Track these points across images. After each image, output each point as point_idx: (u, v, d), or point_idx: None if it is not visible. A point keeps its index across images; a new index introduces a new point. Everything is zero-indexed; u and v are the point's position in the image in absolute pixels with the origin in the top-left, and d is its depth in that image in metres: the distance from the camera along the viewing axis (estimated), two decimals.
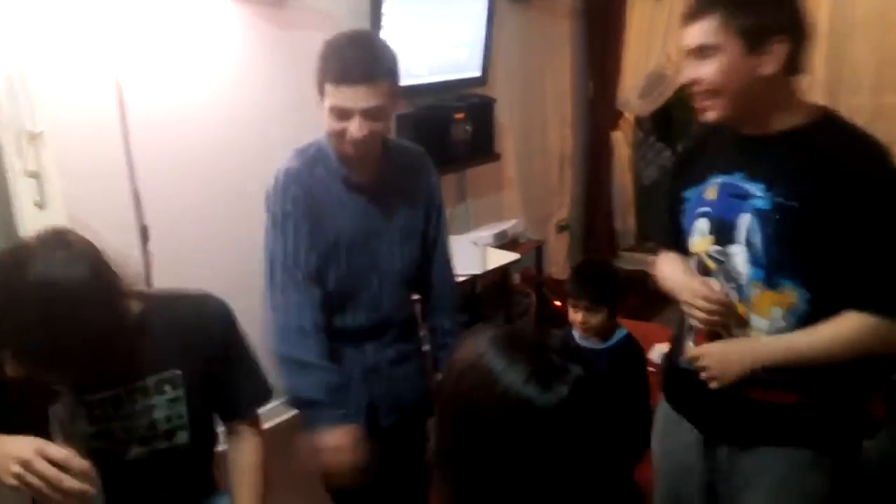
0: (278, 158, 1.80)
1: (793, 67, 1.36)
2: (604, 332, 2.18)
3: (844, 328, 1.36)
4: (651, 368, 2.36)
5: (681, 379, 1.58)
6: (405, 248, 1.82)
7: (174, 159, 2.78)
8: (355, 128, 1.59)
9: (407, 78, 3.42)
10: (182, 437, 1.46)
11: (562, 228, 4.70)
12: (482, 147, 3.80)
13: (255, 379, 1.58)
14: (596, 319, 2.16)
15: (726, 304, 1.44)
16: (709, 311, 1.43)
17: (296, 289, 1.69)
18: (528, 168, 4.37)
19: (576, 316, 2.19)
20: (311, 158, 1.75)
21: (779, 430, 1.46)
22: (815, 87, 3.50)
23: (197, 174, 2.87)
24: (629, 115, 4.62)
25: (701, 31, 1.36)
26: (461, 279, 2.98)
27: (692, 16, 1.38)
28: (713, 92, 1.38)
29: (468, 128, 3.66)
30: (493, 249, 3.48)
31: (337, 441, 1.63)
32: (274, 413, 2.66)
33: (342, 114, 1.60)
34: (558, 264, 4.58)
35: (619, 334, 2.19)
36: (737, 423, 1.50)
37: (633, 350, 2.18)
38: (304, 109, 3.15)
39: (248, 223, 2.37)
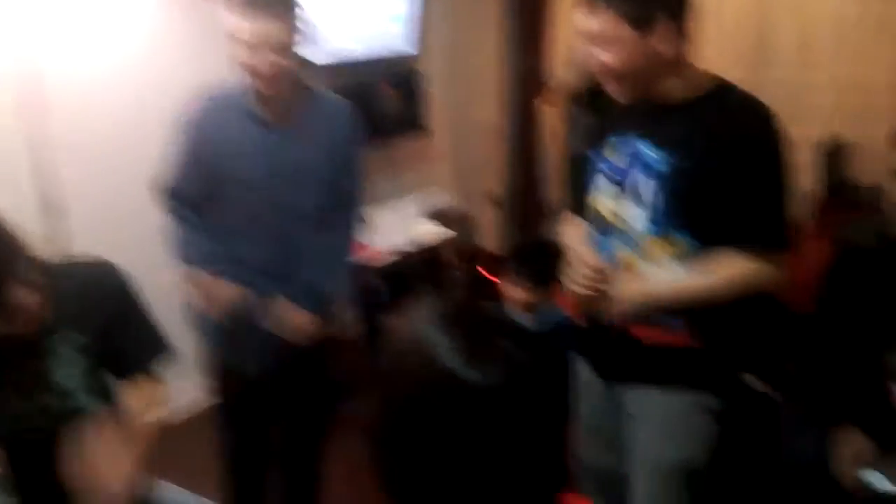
0: None
1: (683, 41, 1.49)
2: (536, 309, 2.20)
3: (726, 266, 1.50)
4: None
5: (582, 328, 1.74)
6: (309, 191, 1.85)
7: (85, 132, 2.67)
8: (261, 61, 1.65)
9: (337, 53, 3.39)
10: (81, 399, 1.44)
11: (493, 201, 4.70)
12: (411, 121, 3.76)
13: (151, 336, 1.59)
14: (535, 298, 2.17)
15: (604, 274, 1.55)
16: (585, 277, 1.55)
17: (182, 216, 1.92)
18: (458, 141, 4.35)
19: (514, 293, 2.20)
20: (221, 96, 1.88)
21: (667, 373, 1.59)
22: (739, 61, 3.56)
23: (109, 147, 2.76)
24: (559, 87, 4.62)
25: (595, 22, 1.46)
26: (392, 253, 2.96)
27: (583, 7, 1.47)
28: (619, 76, 1.49)
29: (397, 101, 3.62)
30: (423, 223, 3.45)
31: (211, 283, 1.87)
32: None
33: (245, 46, 1.68)
34: (490, 237, 4.58)
35: (556, 314, 2.21)
36: (627, 365, 1.64)
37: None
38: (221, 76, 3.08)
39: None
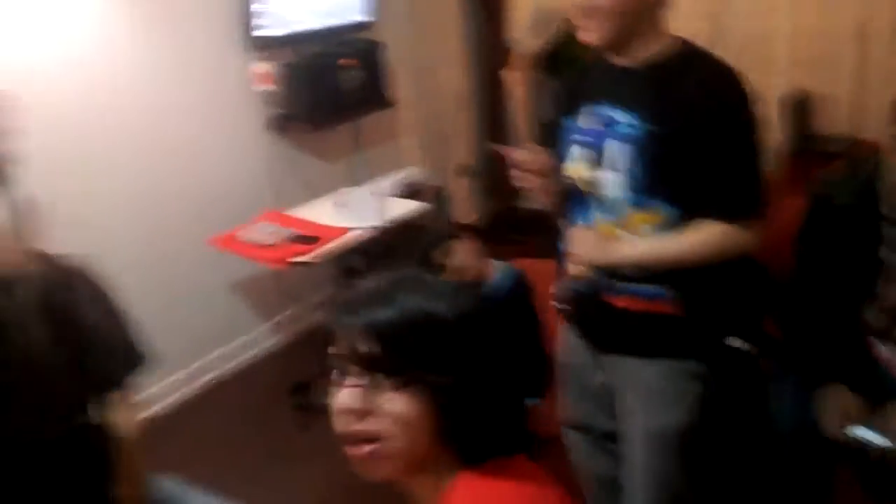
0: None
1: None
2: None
3: (700, 232, 1.52)
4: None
5: (568, 297, 1.74)
6: None
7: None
8: None
9: (290, 25, 3.31)
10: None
11: (463, 172, 4.67)
12: (375, 94, 3.69)
13: (126, 347, 1.57)
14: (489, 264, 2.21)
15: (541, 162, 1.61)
16: (524, 167, 1.60)
17: None
18: (424, 113, 4.29)
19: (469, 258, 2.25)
20: None
21: (651, 341, 1.62)
22: (699, 11, 3.54)
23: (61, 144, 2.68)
24: (523, 52, 4.58)
25: None
26: (367, 231, 2.93)
27: None
28: (606, 14, 1.47)
29: (358, 74, 3.54)
30: (395, 199, 3.42)
31: None
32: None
33: None
34: (463, 209, 4.56)
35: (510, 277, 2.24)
36: (611, 335, 1.67)
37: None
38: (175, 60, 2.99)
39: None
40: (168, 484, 1.65)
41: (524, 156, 1.63)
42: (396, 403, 0.85)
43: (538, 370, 1.95)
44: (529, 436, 0.98)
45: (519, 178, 1.64)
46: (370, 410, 0.86)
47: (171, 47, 2.98)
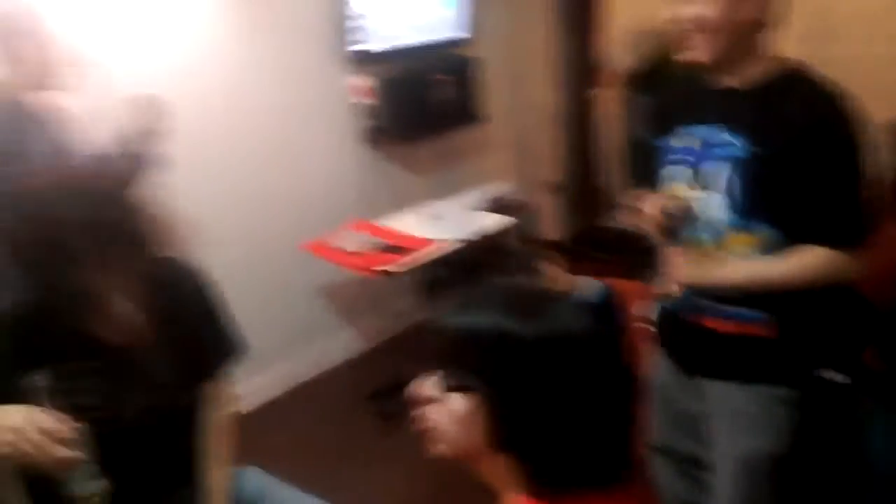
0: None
1: (775, 18, 1.48)
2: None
3: (803, 256, 1.48)
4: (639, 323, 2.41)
5: (661, 319, 1.74)
6: None
7: None
8: None
9: (388, 41, 3.40)
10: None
11: (552, 189, 4.66)
12: (466, 109, 3.74)
13: (225, 338, 1.62)
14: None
15: (680, 205, 1.56)
16: (661, 210, 1.56)
17: None
18: (515, 129, 4.32)
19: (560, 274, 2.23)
20: None
21: (745, 366, 1.59)
22: (802, 37, 3.44)
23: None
24: (615, 71, 4.55)
25: None
26: (454, 243, 2.96)
27: None
28: (714, 29, 1.46)
29: (453, 90, 3.60)
30: (482, 213, 3.45)
31: None
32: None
33: None
34: (550, 226, 4.55)
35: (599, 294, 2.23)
36: (704, 358, 1.64)
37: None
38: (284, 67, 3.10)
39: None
40: (252, 474, 1.72)
41: (657, 201, 1.60)
42: (455, 402, 0.92)
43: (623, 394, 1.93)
44: (624, 467, 0.96)
45: (646, 223, 1.61)
46: (436, 400, 0.94)
47: (275, 58, 3.10)
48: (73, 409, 1.29)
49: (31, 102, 2.07)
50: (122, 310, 1.41)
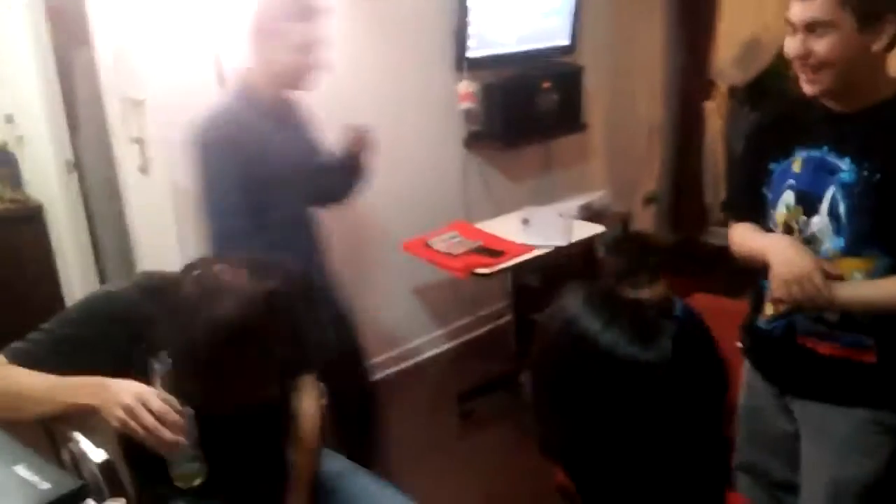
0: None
1: (893, 44, 1.42)
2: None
3: None
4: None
5: (757, 338, 1.69)
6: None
7: None
8: None
9: (495, 47, 3.45)
10: (273, 389, 1.52)
11: (649, 201, 4.61)
12: (569, 117, 3.75)
13: (317, 337, 1.66)
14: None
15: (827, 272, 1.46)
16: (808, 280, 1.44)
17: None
18: (615, 139, 4.30)
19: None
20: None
21: (844, 388, 1.55)
22: None
23: None
24: (722, 85, 4.46)
25: (814, 7, 1.39)
26: (545, 250, 2.98)
27: None
28: (822, 66, 1.43)
29: (555, 97, 3.62)
30: (578, 221, 3.45)
31: None
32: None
33: None
34: (645, 237, 4.49)
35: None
36: (801, 378, 1.60)
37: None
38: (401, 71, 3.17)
39: None
40: (338, 461, 1.78)
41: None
42: None
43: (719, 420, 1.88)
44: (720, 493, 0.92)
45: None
46: None
47: (396, 60, 3.22)
48: (181, 393, 1.34)
49: (282, 101, 2.17)
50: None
